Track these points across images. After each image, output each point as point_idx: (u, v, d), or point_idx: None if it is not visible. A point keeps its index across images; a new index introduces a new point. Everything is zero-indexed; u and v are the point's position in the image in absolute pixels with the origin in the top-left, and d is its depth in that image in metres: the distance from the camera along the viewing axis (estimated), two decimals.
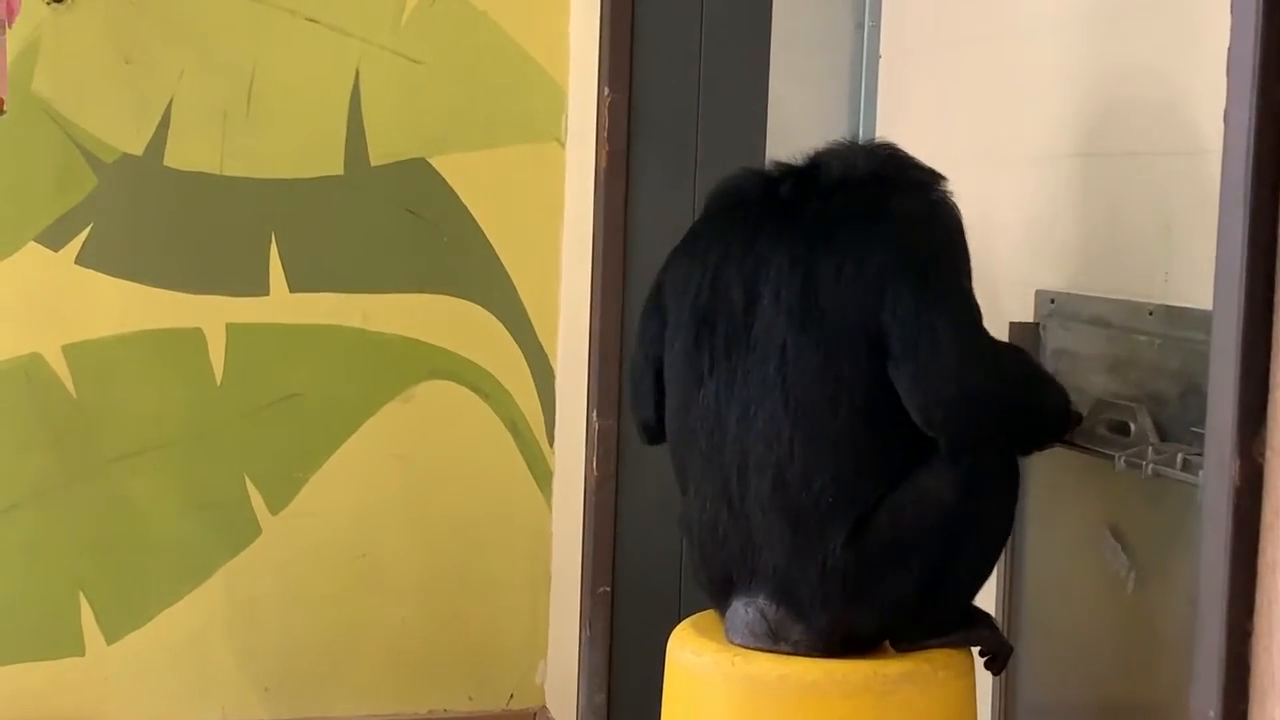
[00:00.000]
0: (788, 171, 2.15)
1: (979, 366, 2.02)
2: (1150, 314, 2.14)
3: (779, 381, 2.00)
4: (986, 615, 2.20)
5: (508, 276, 3.84)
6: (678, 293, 2.14)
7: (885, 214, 2.05)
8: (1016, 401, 2.09)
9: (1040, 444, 2.15)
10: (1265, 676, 1.34)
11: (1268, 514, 1.33)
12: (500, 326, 3.85)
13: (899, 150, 2.22)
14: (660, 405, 2.19)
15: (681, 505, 2.18)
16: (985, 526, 2.08)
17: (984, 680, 2.24)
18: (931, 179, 2.13)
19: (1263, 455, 1.34)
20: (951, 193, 2.12)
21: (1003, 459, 2.09)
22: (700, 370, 2.08)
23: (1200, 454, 1.86)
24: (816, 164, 2.14)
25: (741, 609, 2.08)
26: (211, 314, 3.66)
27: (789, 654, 2.05)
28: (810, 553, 2.00)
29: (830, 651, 2.05)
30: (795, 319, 2.00)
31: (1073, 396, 2.29)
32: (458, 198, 3.79)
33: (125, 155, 3.58)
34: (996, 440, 2.07)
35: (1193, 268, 2.05)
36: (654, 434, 2.25)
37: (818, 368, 1.98)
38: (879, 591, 2.03)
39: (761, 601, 2.06)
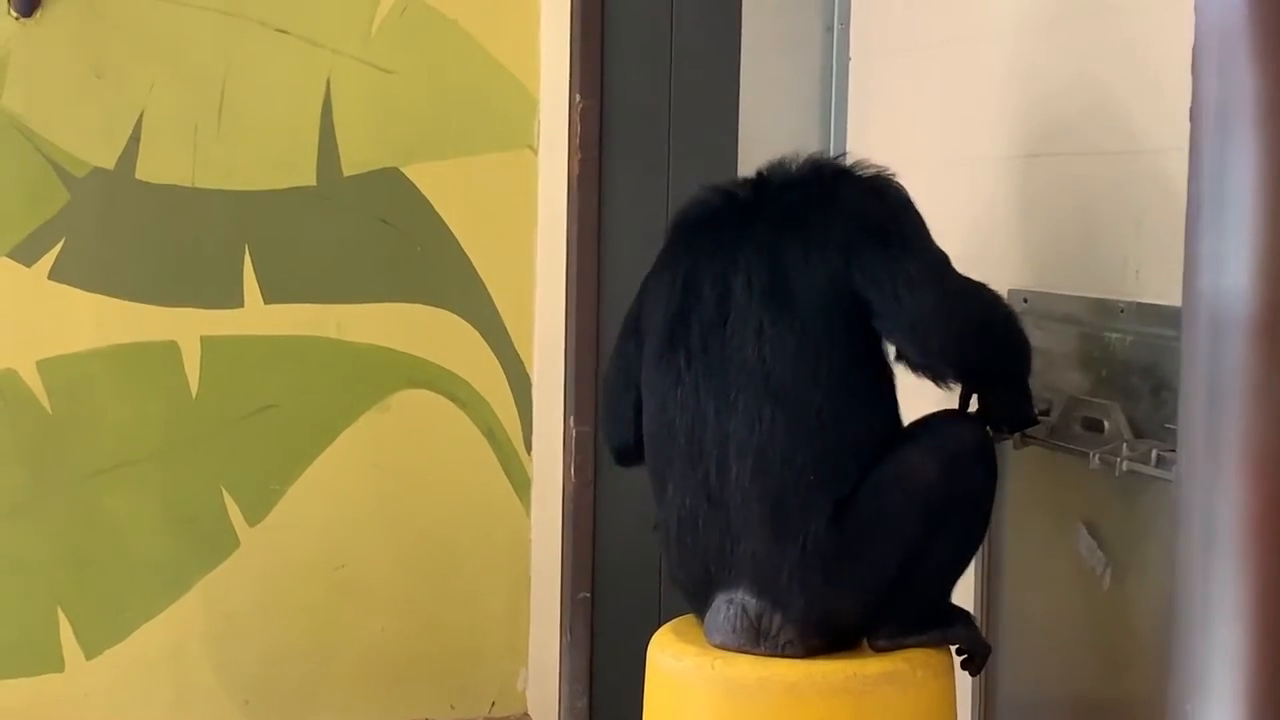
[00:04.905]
0: (745, 181, 2.25)
1: (960, 297, 2.10)
2: (1122, 311, 2.16)
3: (759, 363, 2.04)
4: (964, 613, 2.21)
5: (482, 284, 3.84)
6: (652, 308, 2.20)
7: (838, 196, 2.14)
8: (998, 323, 2.16)
9: (1023, 363, 2.21)
10: None
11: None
12: (476, 334, 3.84)
13: (853, 160, 2.30)
14: (639, 427, 2.22)
15: (658, 509, 2.19)
16: (965, 509, 2.10)
17: (963, 678, 2.24)
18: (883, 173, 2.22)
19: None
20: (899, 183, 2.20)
21: (981, 441, 2.12)
22: (677, 368, 2.11)
23: (1173, 450, 1.88)
24: (769, 171, 2.24)
25: (723, 607, 2.09)
26: (186, 327, 3.65)
27: (769, 655, 2.06)
28: (791, 534, 2.03)
29: (809, 640, 2.06)
30: (768, 300, 2.05)
31: (1047, 394, 2.31)
32: (431, 206, 3.79)
33: (97, 169, 3.56)
34: (990, 365, 2.16)
35: (1163, 265, 2.06)
36: (629, 455, 2.29)
37: (795, 344, 2.03)
38: (859, 574, 2.05)
39: (741, 595, 2.07)
